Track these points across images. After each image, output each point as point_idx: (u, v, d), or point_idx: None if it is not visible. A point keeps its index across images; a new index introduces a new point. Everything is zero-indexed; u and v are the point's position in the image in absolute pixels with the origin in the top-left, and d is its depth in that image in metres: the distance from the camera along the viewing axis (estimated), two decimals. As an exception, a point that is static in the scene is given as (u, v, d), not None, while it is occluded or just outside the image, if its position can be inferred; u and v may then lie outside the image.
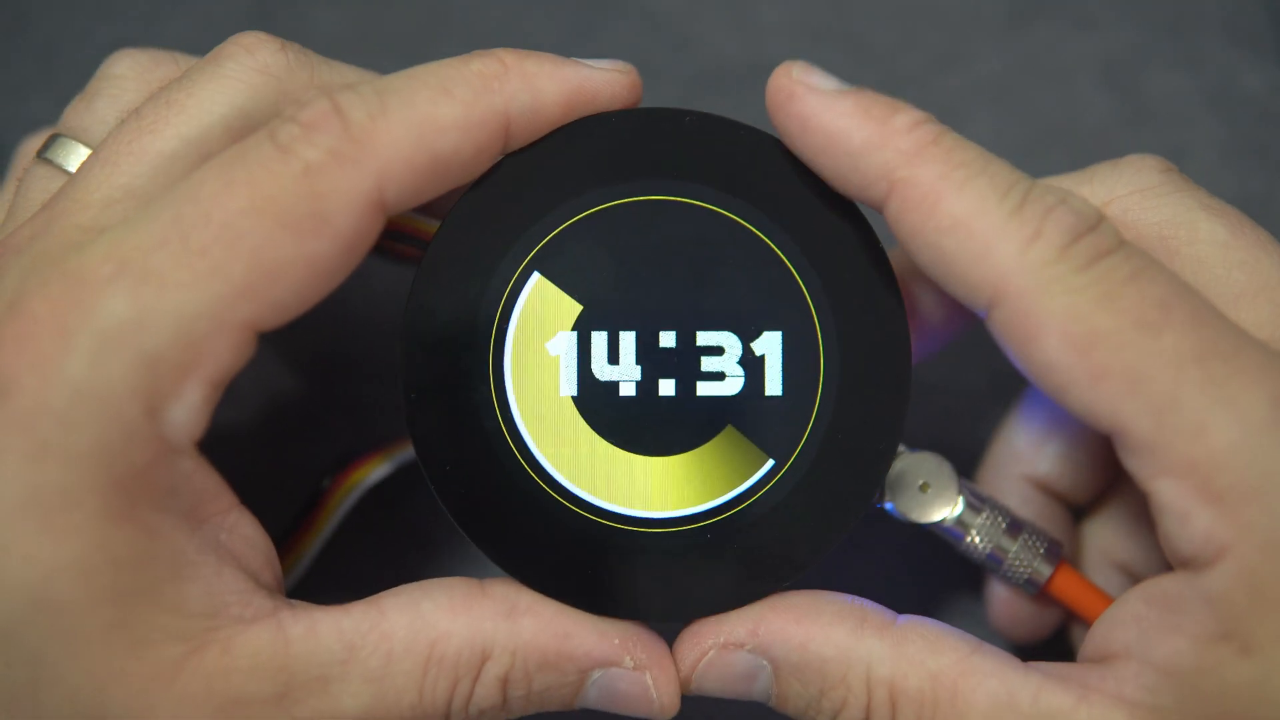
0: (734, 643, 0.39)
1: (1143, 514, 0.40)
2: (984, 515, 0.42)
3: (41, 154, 0.41)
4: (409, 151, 0.36)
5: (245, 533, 0.38)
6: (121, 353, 0.35)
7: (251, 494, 0.39)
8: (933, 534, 0.42)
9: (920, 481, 0.41)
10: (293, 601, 0.38)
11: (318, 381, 0.50)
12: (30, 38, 0.56)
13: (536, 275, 0.39)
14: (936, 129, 0.38)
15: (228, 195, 0.36)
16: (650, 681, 0.39)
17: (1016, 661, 0.38)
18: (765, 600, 0.39)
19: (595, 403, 0.39)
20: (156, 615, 0.35)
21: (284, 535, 0.44)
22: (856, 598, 0.39)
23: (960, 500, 0.41)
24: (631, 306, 0.40)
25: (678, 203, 0.40)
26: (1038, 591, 0.43)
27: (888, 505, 0.41)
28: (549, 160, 0.39)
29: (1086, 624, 0.42)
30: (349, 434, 0.50)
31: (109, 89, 0.41)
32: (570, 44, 0.57)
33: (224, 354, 0.36)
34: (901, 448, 0.41)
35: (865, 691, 0.38)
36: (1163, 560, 0.38)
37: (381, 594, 0.38)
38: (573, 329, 0.39)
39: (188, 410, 0.36)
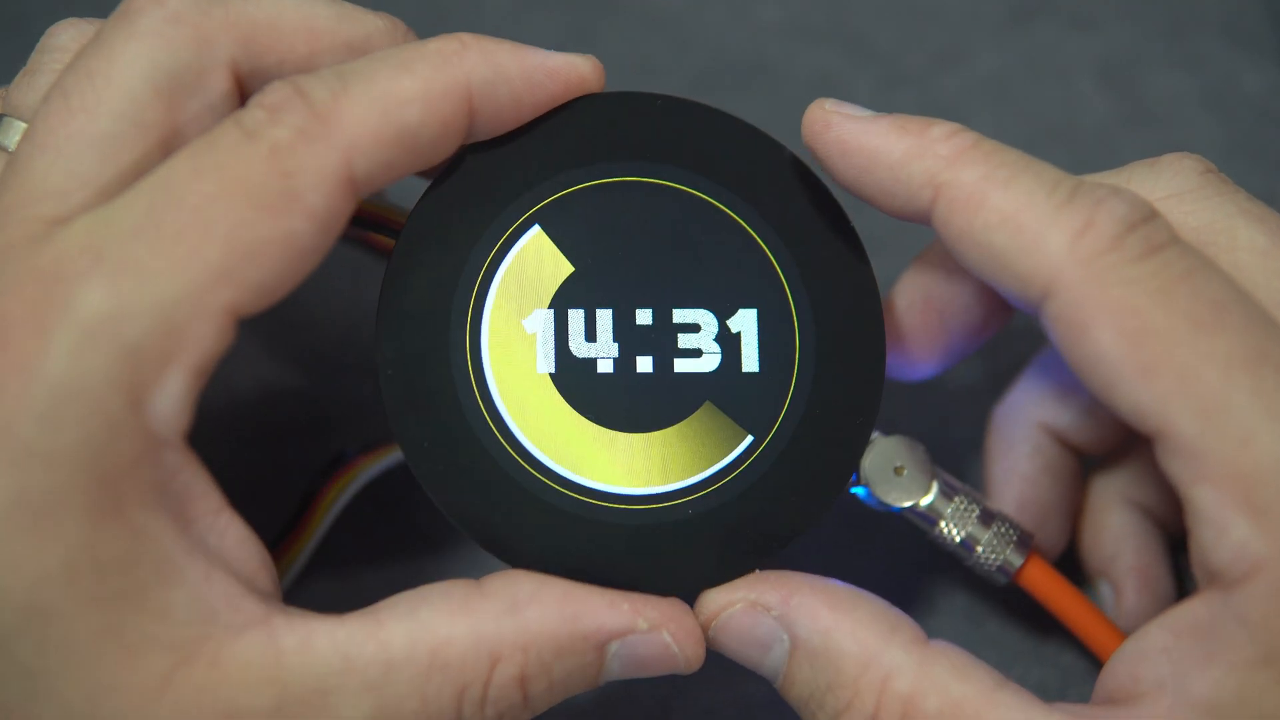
0: (763, 604, 0.38)
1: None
2: (956, 503, 0.42)
3: None
4: (374, 125, 0.37)
5: (236, 535, 0.37)
6: (102, 346, 0.34)
7: (248, 494, 0.39)
8: (905, 520, 0.42)
9: (895, 465, 0.41)
10: (289, 609, 0.37)
11: (315, 381, 0.50)
12: (30, 38, 0.56)
13: (512, 253, 0.40)
14: (974, 136, 0.38)
15: (198, 181, 0.36)
16: (669, 638, 0.38)
17: (1040, 703, 0.37)
18: (803, 577, 0.39)
19: (573, 380, 0.39)
20: (144, 621, 0.35)
21: (279, 535, 0.44)
22: (895, 607, 0.39)
23: (934, 486, 0.41)
24: (608, 284, 0.40)
25: (653, 184, 0.40)
26: (1008, 581, 0.42)
27: (861, 491, 0.41)
28: (524, 142, 0.40)
29: (1055, 617, 0.42)
30: (344, 434, 0.50)
31: (51, 63, 0.41)
32: (570, 44, 0.57)
33: (206, 340, 0.35)
34: (876, 433, 0.41)
35: (875, 700, 0.37)
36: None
37: (378, 604, 0.37)
38: (549, 306, 0.40)
39: (171, 400, 0.35)
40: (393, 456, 0.46)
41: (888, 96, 0.57)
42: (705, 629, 0.39)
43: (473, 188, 0.40)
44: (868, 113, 0.39)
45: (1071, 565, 0.46)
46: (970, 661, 0.38)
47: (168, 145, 0.38)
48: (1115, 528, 0.45)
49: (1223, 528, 0.35)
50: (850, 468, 0.40)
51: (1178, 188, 0.40)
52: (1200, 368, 0.35)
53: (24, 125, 0.40)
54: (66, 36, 0.41)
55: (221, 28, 0.39)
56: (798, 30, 0.58)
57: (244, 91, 0.39)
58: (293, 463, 0.48)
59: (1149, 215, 0.37)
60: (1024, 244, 0.36)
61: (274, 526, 0.44)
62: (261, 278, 0.36)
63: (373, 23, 0.41)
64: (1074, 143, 0.56)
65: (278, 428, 0.49)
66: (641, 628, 0.38)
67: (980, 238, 0.37)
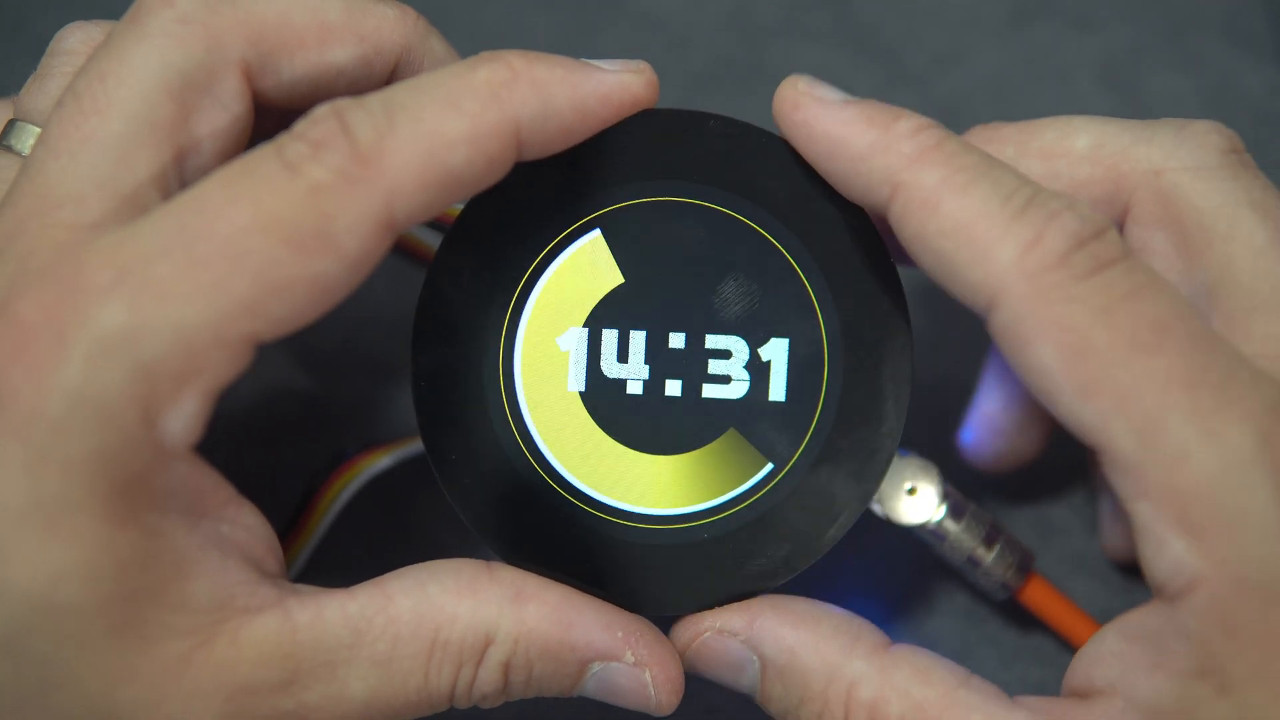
0: (729, 630, 0.39)
1: None
2: (964, 521, 0.43)
3: (1, 141, 0.40)
4: (418, 169, 0.36)
5: (247, 523, 0.38)
6: (119, 361, 0.34)
7: (248, 494, 0.39)
8: (913, 534, 0.43)
9: (908, 485, 0.42)
10: (299, 587, 0.38)
11: (317, 379, 0.50)
12: (30, 38, 0.56)
13: (561, 259, 0.40)
14: (940, 134, 0.38)
15: (233, 209, 0.35)
16: (649, 679, 0.39)
17: (1003, 697, 0.38)
18: (768, 598, 0.40)
19: (602, 399, 0.40)
20: (163, 614, 0.35)
21: (279, 534, 0.44)
22: (858, 616, 0.40)
23: (944, 506, 0.42)
24: (645, 304, 0.40)
25: (695, 205, 0.40)
26: (1008, 598, 0.44)
27: (873, 504, 0.42)
28: (564, 160, 0.39)
29: (1057, 633, 0.43)
30: (347, 431, 0.50)
31: (62, 66, 0.41)
32: (570, 44, 0.57)
33: (222, 366, 0.35)
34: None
35: (843, 710, 0.38)
36: None
37: (387, 575, 0.38)
38: (584, 325, 0.40)
39: (184, 419, 0.35)
40: (392, 456, 0.46)
41: (888, 96, 0.56)
42: (682, 655, 0.40)
43: (524, 196, 0.40)
44: (840, 95, 0.39)
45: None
46: (933, 663, 0.39)
47: (181, 145, 0.38)
48: None
49: (1161, 543, 0.36)
50: (864, 503, 0.40)
51: (1197, 161, 0.40)
52: (1137, 388, 0.35)
53: (37, 130, 0.40)
54: (75, 40, 0.41)
55: (231, 26, 0.39)
56: (798, 30, 0.58)
57: (256, 88, 0.39)
58: (293, 463, 0.49)
59: (1100, 231, 0.36)
60: (973, 254, 0.36)
61: (274, 526, 0.44)
62: (286, 313, 0.35)
63: (383, 12, 0.41)
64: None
65: (278, 428, 0.49)
66: (628, 660, 0.39)
67: (932, 243, 0.37)
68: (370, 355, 0.51)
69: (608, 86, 0.38)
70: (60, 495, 0.34)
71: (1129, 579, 0.48)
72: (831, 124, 0.38)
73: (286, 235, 0.35)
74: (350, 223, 0.35)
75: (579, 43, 0.57)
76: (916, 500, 0.42)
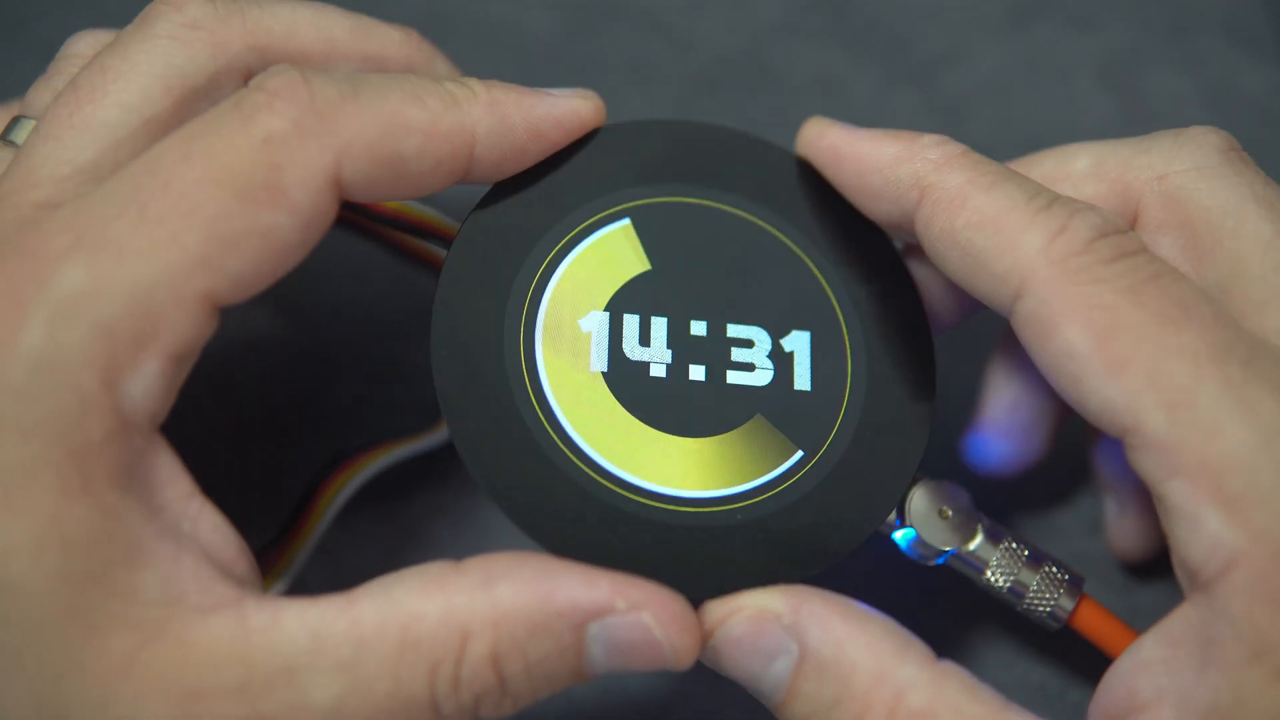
0: (772, 612, 0.37)
1: None
2: (1004, 546, 0.41)
3: (5, 136, 0.40)
4: (373, 139, 0.37)
5: (210, 522, 0.37)
6: (77, 322, 0.35)
7: (248, 493, 0.39)
8: (951, 570, 0.41)
9: (939, 509, 0.41)
10: (264, 594, 0.36)
11: (317, 379, 0.50)
12: (30, 38, 0.56)
13: (576, 252, 0.40)
14: (962, 147, 0.40)
15: (185, 165, 0.36)
16: (650, 620, 0.36)
17: None
18: (813, 589, 0.38)
19: (625, 380, 0.40)
20: (109, 601, 0.35)
21: (279, 534, 0.44)
22: (906, 629, 0.38)
23: (980, 530, 0.41)
24: (665, 293, 0.41)
25: (721, 210, 0.42)
26: (1061, 627, 0.41)
27: (903, 542, 0.41)
28: (596, 152, 0.41)
29: (1110, 657, 0.40)
30: (344, 434, 0.50)
31: (69, 68, 0.41)
32: (570, 43, 0.57)
33: (182, 326, 0.35)
34: (920, 477, 0.41)
35: (886, 716, 0.37)
36: None
37: (356, 587, 0.36)
38: (605, 309, 0.40)
39: (145, 383, 0.35)
40: (392, 456, 0.46)
41: (888, 97, 0.57)
42: (708, 637, 0.38)
43: (553, 181, 0.41)
44: (859, 129, 0.42)
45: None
46: (977, 683, 0.37)
47: None
48: None
49: (1197, 521, 0.35)
50: (899, 491, 0.40)
51: (1198, 162, 0.41)
52: (1168, 362, 0.36)
53: (35, 122, 0.40)
54: (84, 44, 0.42)
55: (238, 36, 0.39)
56: (798, 30, 0.58)
57: None
58: (293, 463, 0.48)
59: (1121, 228, 0.38)
60: (1001, 244, 0.38)
61: (274, 526, 0.44)
62: (240, 268, 0.36)
63: (389, 35, 0.42)
64: (1074, 143, 0.55)
65: (278, 428, 0.49)
66: (620, 608, 0.36)
67: (960, 237, 0.38)
68: (370, 355, 0.51)
69: (560, 110, 0.40)
70: (15, 464, 0.34)
71: (1131, 579, 0.48)
72: (859, 143, 0.41)
73: (237, 187, 0.35)
74: (299, 175, 0.36)
75: (579, 43, 0.57)
76: (950, 525, 0.41)
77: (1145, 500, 0.45)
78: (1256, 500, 0.35)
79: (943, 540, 0.41)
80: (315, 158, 0.36)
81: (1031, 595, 0.41)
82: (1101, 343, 0.36)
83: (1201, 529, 0.35)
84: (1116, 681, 0.37)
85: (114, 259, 0.35)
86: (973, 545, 0.41)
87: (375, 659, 0.35)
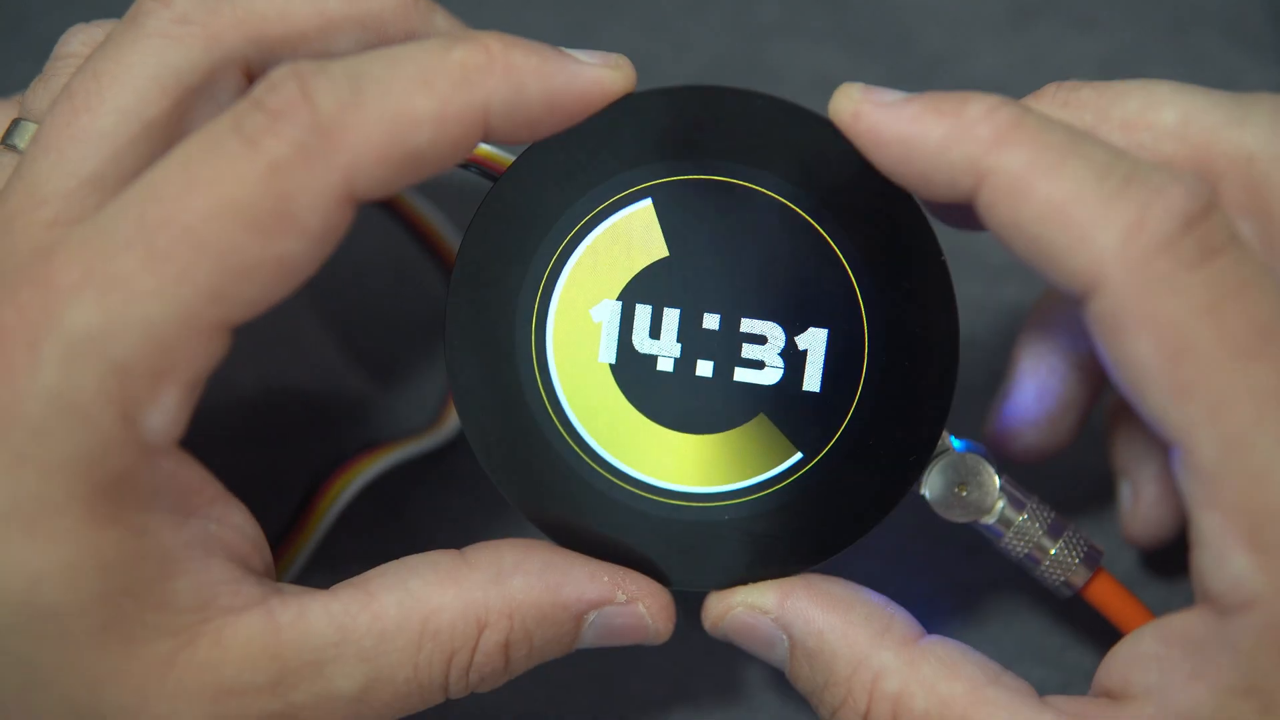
0: (759, 608, 0.39)
1: None
2: (1025, 515, 0.41)
3: (6, 140, 0.40)
4: (380, 145, 0.35)
5: (233, 521, 0.37)
6: (91, 362, 0.34)
7: (248, 494, 0.39)
8: (973, 528, 0.41)
9: (961, 477, 0.40)
10: (283, 586, 0.38)
11: (317, 379, 0.50)
12: (30, 38, 0.56)
13: (594, 235, 0.40)
14: (1015, 111, 0.36)
15: (191, 195, 0.35)
16: (644, 610, 0.39)
17: (1033, 695, 0.37)
18: (805, 576, 0.39)
19: (632, 373, 0.40)
20: (146, 613, 0.35)
21: (279, 534, 0.44)
22: (893, 604, 0.39)
23: (1001, 499, 0.41)
24: (681, 282, 0.40)
25: (747, 188, 0.39)
26: (1073, 594, 0.42)
27: (926, 494, 0.41)
28: (612, 127, 0.39)
29: (1120, 632, 0.41)
30: (347, 431, 0.50)
31: (65, 69, 0.41)
32: (570, 44, 0.57)
33: (197, 356, 0.35)
34: (945, 439, 0.40)
35: (866, 699, 0.38)
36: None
37: (366, 574, 0.38)
38: (618, 299, 0.40)
39: (165, 414, 0.35)
40: (392, 456, 0.46)
41: (888, 96, 0.57)
42: (714, 629, 0.40)
43: (557, 170, 0.39)
44: (898, 95, 0.38)
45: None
46: (963, 658, 0.38)
47: (174, 143, 0.37)
48: (1146, 431, 0.44)
49: (1223, 557, 0.35)
50: (892, 504, 0.40)
51: None
52: (1234, 398, 0.34)
53: (35, 126, 0.40)
54: (77, 42, 0.41)
55: (230, 25, 0.38)
56: (798, 30, 0.58)
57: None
58: (293, 463, 0.48)
59: (1208, 207, 0.35)
60: (1072, 240, 0.35)
61: (274, 526, 0.44)
62: (253, 294, 0.35)
63: None
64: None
65: (278, 428, 0.49)
66: (620, 600, 0.39)
67: (1028, 229, 0.35)
68: (370, 355, 0.51)
69: (583, 82, 0.38)
70: (39, 497, 0.34)
71: (1137, 569, 0.48)
72: (900, 125, 0.37)
73: (247, 220, 0.34)
74: (310, 200, 0.35)
75: (579, 42, 0.57)
76: (971, 493, 0.40)
77: (1162, 488, 0.45)
78: None
79: (957, 515, 0.41)
80: (324, 179, 0.35)
81: (1048, 563, 0.41)
82: (1170, 363, 0.34)
83: (1227, 566, 0.35)
84: (1115, 664, 0.38)
85: (124, 297, 0.34)
86: (990, 519, 0.41)
87: (396, 649, 0.37)
